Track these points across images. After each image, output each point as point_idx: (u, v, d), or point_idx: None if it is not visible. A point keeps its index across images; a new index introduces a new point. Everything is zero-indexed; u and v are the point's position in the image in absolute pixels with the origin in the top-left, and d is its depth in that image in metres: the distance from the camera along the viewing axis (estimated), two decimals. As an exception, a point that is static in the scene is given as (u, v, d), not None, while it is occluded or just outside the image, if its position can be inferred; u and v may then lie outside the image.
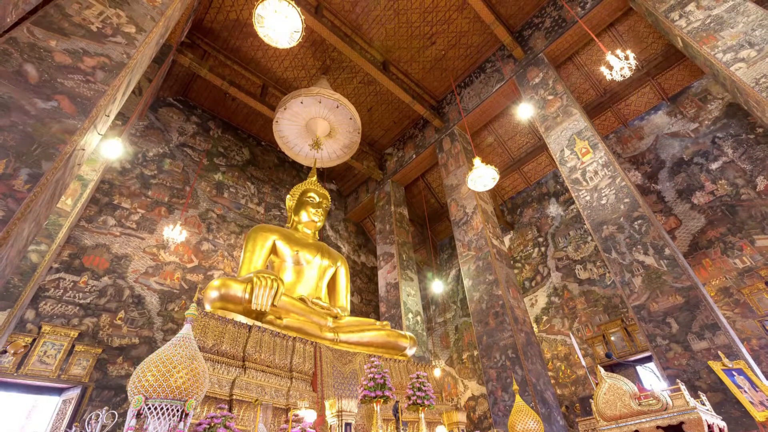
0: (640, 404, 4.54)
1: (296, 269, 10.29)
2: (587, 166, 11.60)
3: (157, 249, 13.42)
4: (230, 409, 5.68)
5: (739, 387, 7.24)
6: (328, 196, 12.12)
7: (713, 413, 4.72)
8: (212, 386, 5.69)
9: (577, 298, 15.59)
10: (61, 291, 11.02)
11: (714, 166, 13.37)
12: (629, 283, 9.59)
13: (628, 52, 8.91)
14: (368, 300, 19.93)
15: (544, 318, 16.43)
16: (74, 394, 10.16)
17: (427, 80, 17.87)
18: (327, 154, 14.59)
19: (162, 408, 3.29)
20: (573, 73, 16.15)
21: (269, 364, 6.80)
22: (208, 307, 7.52)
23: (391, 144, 20.82)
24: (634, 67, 8.99)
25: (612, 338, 13.86)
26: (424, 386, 5.79)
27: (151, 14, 7.77)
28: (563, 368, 14.89)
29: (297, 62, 16.70)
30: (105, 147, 10.02)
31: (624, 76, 8.93)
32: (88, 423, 5.43)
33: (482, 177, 11.28)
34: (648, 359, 12.97)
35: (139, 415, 3.29)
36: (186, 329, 3.90)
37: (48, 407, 10.61)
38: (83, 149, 6.20)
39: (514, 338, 11.24)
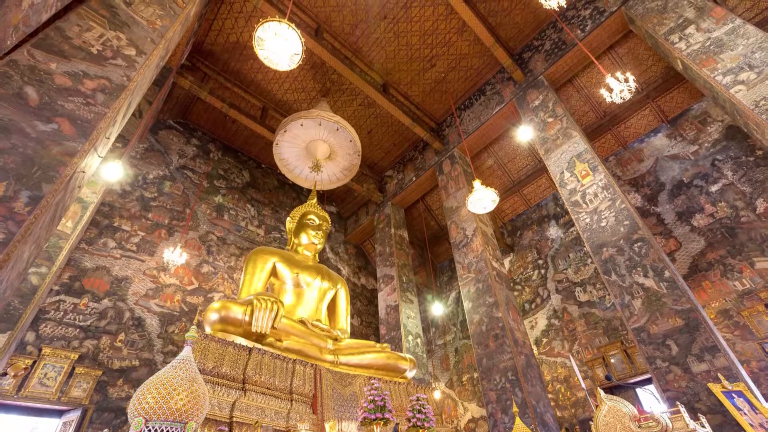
0: (639, 426, 4.52)
1: (296, 291, 10.28)
2: (587, 188, 11.64)
3: (157, 271, 13.42)
4: (230, 432, 5.65)
5: (738, 409, 7.21)
6: (328, 218, 12.16)
7: (714, 436, 4.71)
8: (212, 408, 5.67)
9: (577, 321, 15.53)
10: (62, 313, 11.01)
11: (714, 188, 13.39)
12: (629, 306, 9.58)
13: (628, 74, 8.99)
14: (368, 322, 19.85)
15: (544, 340, 16.35)
16: (74, 416, 10.10)
17: (427, 102, 18.00)
18: (327, 177, 14.64)
19: (162, 430, 3.29)
20: (573, 96, 16.27)
21: (269, 386, 6.78)
22: (208, 330, 7.52)
23: (391, 166, 20.91)
24: (633, 90, 9.05)
25: (612, 360, 13.78)
26: (424, 408, 5.77)
27: (151, 37, 7.86)
28: (563, 390, 14.78)
29: (297, 85, 16.84)
30: (105, 169, 10.04)
31: (624, 99, 8.99)
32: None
33: (482, 199, 11.30)
34: (648, 381, 12.89)
35: (138, 437, 3.29)
36: (186, 351, 3.90)
37: (48, 429, 10.54)
38: (83, 171, 6.25)
39: (514, 360, 11.19)
